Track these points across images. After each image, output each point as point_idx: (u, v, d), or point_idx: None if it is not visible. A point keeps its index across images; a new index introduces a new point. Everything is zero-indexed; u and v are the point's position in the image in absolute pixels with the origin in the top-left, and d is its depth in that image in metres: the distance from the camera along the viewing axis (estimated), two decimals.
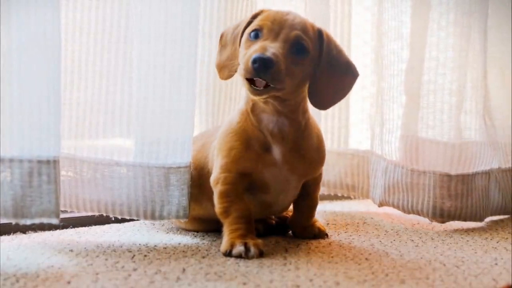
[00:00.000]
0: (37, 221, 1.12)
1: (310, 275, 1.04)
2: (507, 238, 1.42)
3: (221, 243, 1.20)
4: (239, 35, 1.23)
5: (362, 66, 1.75)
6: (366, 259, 1.18)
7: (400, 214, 1.65)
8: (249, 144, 1.22)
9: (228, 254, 1.16)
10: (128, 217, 1.31)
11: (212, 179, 1.25)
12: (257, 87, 1.13)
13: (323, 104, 1.26)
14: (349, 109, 1.77)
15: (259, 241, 1.19)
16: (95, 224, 1.43)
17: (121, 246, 1.23)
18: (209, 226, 1.36)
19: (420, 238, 1.40)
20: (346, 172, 1.77)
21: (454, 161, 1.56)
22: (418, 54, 1.60)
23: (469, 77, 1.60)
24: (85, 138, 1.31)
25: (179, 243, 1.28)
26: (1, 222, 1.22)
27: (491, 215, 1.66)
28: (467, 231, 1.50)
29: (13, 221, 1.11)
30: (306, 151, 1.26)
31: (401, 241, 1.35)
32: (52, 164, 1.13)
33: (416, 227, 1.54)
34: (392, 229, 1.49)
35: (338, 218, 1.61)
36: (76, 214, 1.41)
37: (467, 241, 1.38)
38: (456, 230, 1.51)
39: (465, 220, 1.55)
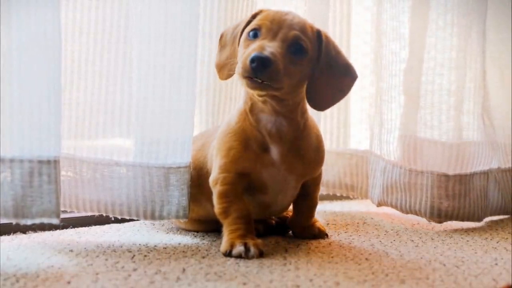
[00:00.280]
0: (37, 221, 1.12)
1: (310, 275, 1.05)
2: (507, 238, 1.42)
3: (221, 243, 1.20)
4: (239, 34, 1.23)
5: (361, 66, 1.75)
6: (366, 259, 1.18)
7: (400, 214, 1.65)
8: (247, 144, 1.22)
9: (228, 254, 1.16)
10: (128, 217, 1.31)
11: (211, 179, 1.25)
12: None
13: (321, 105, 1.26)
14: (348, 109, 1.77)
15: (259, 241, 1.19)
16: (95, 224, 1.43)
17: (121, 246, 1.23)
18: (209, 226, 1.36)
19: (420, 238, 1.40)
20: (345, 172, 1.77)
21: (452, 161, 1.57)
22: (417, 54, 1.60)
23: (468, 78, 1.61)
24: (85, 138, 1.31)
25: (179, 243, 1.28)
26: (1, 222, 1.22)
27: (491, 215, 1.66)
28: (467, 231, 1.50)
29: (14, 221, 1.11)
30: (304, 151, 1.26)
31: (401, 241, 1.35)
32: (53, 164, 1.13)
33: (416, 227, 1.54)
34: (392, 229, 1.49)
35: (338, 218, 1.61)
36: (76, 214, 1.41)
37: (467, 241, 1.38)
38: (456, 230, 1.51)
39: (462, 220, 1.56)
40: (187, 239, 1.32)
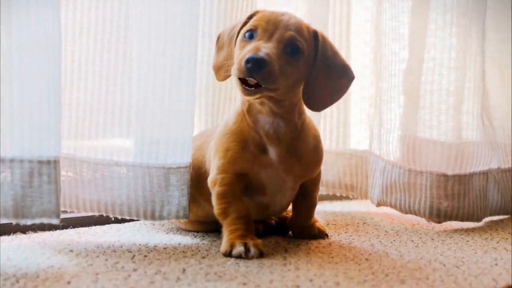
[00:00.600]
0: (37, 221, 1.12)
1: (310, 275, 1.05)
2: (507, 238, 1.42)
3: (220, 243, 1.20)
4: (235, 35, 1.22)
5: (361, 66, 1.75)
6: (366, 259, 1.18)
7: (399, 214, 1.65)
8: (245, 145, 1.22)
9: (228, 254, 1.16)
10: (128, 217, 1.31)
11: (210, 180, 1.25)
12: (249, 86, 1.13)
13: (317, 105, 1.25)
14: (348, 109, 1.77)
15: (259, 241, 1.19)
16: (95, 224, 1.43)
17: (121, 247, 1.23)
18: (208, 227, 1.36)
19: (420, 238, 1.40)
20: (344, 172, 1.77)
21: (451, 161, 1.57)
22: (417, 54, 1.60)
23: (467, 77, 1.61)
24: (85, 138, 1.31)
25: (179, 244, 1.28)
26: (1, 222, 1.22)
27: (491, 215, 1.66)
28: (467, 231, 1.51)
29: (14, 221, 1.11)
30: (302, 152, 1.26)
31: (401, 242, 1.35)
32: (53, 164, 1.13)
33: (416, 227, 1.54)
34: (392, 230, 1.49)
35: (338, 218, 1.61)
36: (76, 214, 1.41)
37: (467, 241, 1.38)
38: (456, 231, 1.51)
39: (462, 220, 1.56)
40: (187, 239, 1.32)
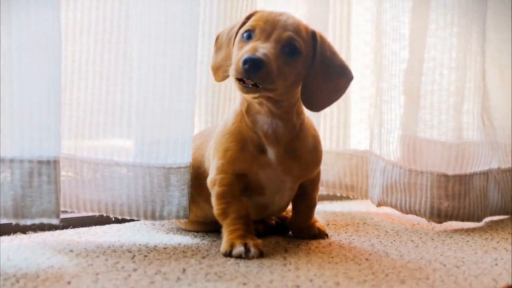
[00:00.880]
0: (37, 221, 1.12)
1: (310, 275, 1.04)
2: (507, 238, 1.42)
3: (220, 243, 1.20)
4: (233, 36, 1.22)
5: (362, 66, 1.75)
6: (366, 259, 1.18)
7: (400, 214, 1.65)
8: (244, 145, 1.22)
9: (228, 254, 1.16)
10: (128, 218, 1.31)
11: (209, 180, 1.25)
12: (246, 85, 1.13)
13: (316, 106, 1.25)
14: (348, 109, 1.77)
15: (259, 241, 1.19)
16: (95, 225, 1.43)
17: (121, 247, 1.23)
18: (208, 227, 1.36)
19: (420, 238, 1.40)
20: (345, 172, 1.77)
21: (452, 161, 1.57)
22: (417, 54, 1.60)
23: (467, 77, 1.61)
24: (85, 138, 1.31)
25: (179, 244, 1.28)
26: (1, 222, 1.22)
27: (491, 215, 1.66)
28: (467, 231, 1.50)
29: (14, 222, 1.11)
30: (301, 152, 1.25)
31: (401, 242, 1.35)
32: (53, 164, 1.13)
33: (416, 227, 1.54)
34: (392, 230, 1.49)
35: (338, 218, 1.61)
36: (76, 214, 1.41)
37: (467, 241, 1.38)
38: (456, 231, 1.51)
39: (462, 220, 1.56)
40: (187, 240, 1.32)
